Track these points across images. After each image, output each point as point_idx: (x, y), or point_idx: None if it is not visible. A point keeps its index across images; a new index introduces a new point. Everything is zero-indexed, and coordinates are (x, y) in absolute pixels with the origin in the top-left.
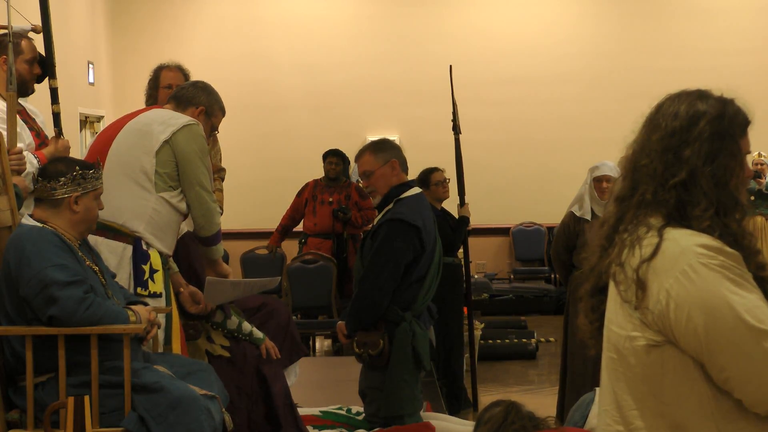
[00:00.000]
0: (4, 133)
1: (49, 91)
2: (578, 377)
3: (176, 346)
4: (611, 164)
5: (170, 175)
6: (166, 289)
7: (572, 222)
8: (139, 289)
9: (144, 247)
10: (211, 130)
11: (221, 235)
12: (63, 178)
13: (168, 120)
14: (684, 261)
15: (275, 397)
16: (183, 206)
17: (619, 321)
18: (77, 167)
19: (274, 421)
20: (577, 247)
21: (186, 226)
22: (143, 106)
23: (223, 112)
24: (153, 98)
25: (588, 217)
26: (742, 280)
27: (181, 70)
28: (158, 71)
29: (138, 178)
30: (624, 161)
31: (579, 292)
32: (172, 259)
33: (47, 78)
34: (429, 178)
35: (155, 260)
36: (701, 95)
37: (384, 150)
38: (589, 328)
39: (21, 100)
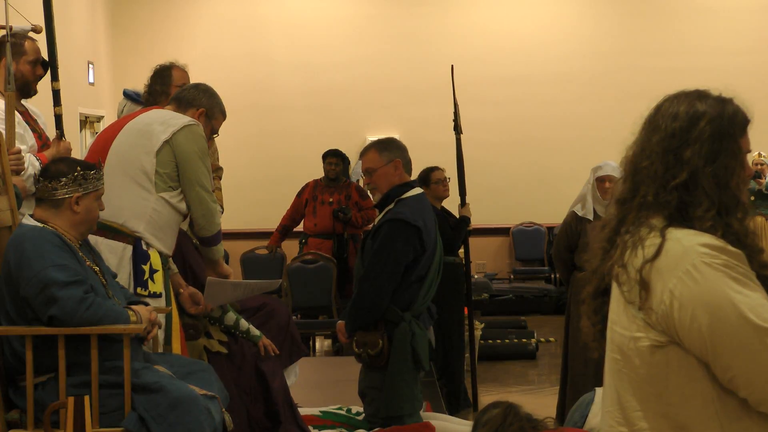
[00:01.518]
0: (4, 134)
1: (51, 92)
2: (579, 377)
3: (176, 346)
4: (614, 164)
5: (170, 176)
6: (166, 289)
7: (574, 222)
8: (139, 289)
9: (144, 247)
10: (212, 133)
11: (221, 236)
12: (64, 179)
13: (168, 120)
14: (687, 261)
15: (274, 394)
16: (183, 206)
17: (622, 322)
18: (79, 168)
19: (274, 418)
20: (579, 246)
21: (186, 227)
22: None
23: (224, 115)
24: (165, 95)
25: (590, 217)
26: (746, 279)
27: (187, 72)
28: (169, 69)
29: (138, 178)
30: (624, 163)
31: (581, 294)
32: (172, 259)
33: (49, 79)
34: (429, 176)
35: (155, 260)
36: (700, 95)
37: (389, 149)
38: (592, 330)
39: (23, 102)
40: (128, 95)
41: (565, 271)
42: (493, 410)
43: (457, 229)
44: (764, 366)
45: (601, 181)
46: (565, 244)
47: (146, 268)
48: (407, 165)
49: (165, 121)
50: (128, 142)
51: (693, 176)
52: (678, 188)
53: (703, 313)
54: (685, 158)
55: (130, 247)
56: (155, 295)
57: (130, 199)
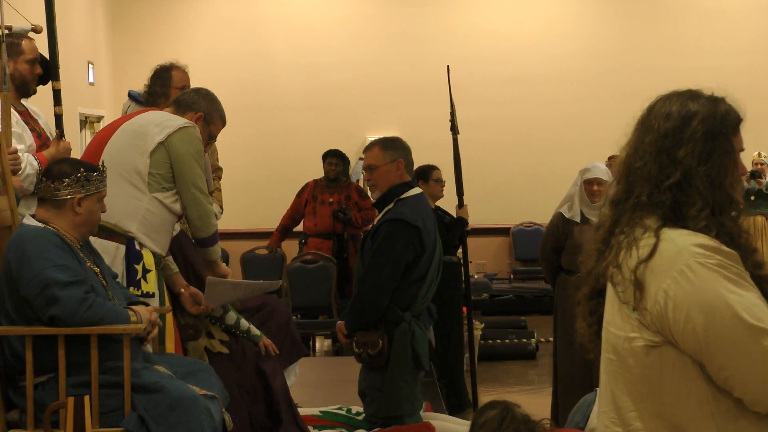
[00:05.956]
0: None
1: (51, 92)
2: (567, 378)
3: (170, 346)
4: (602, 166)
5: (164, 176)
6: (160, 289)
7: (561, 223)
8: (131, 289)
9: (137, 247)
10: (209, 139)
11: (218, 236)
12: (67, 179)
13: (164, 122)
14: (681, 261)
15: (275, 393)
16: (177, 207)
17: (617, 322)
18: (82, 169)
19: (275, 418)
20: (565, 248)
21: (181, 227)
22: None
23: (223, 122)
24: (165, 96)
25: (577, 219)
26: (740, 279)
27: (187, 73)
28: (169, 71)
29: (131, 178)
30: (618, 164)
31: (577, 296)
32: (171, 259)
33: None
34: (430, 173)
35: (148, 260)
36: (692, 95)
37: (394, 149)
38: (588, 331)
39: (23, 101)
40: (133, 97)
41: (550, 272)
42: (490, 411)
43: (452, 229)
44: (759, 366)
45: (589, 184)
46: (551, 246)
47: (139, 267)
48: (409, 166)
49: (160, 122)
50: (122, 143)
51: (686, 176)
52: (672, 188)
53: (697, 313)
54: (678, 158)
55: (123, 247)
56: (148, 295)
57: (123, 199)
